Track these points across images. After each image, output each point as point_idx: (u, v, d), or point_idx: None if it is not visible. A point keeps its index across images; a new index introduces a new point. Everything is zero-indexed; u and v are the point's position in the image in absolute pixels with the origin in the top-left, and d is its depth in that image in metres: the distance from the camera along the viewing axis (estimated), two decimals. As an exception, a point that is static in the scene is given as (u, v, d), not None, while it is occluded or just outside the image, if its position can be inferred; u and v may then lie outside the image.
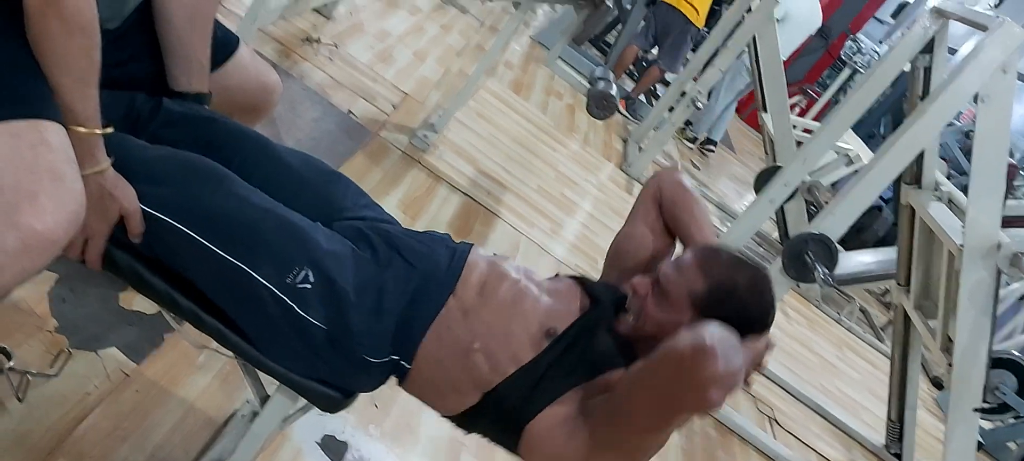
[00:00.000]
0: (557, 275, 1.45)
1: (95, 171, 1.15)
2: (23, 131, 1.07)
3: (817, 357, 4.11)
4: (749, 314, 1.28)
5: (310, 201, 1.40)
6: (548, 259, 3.16)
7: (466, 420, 1.29)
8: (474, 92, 3.45)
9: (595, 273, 3.29)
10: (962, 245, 2.65)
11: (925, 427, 3.92)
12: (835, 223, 2.74)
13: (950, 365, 2.74)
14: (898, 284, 3.39)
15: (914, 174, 3.16)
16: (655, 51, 6.00)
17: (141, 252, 1.23)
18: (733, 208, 5.55)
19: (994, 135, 2.55)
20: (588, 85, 3.60)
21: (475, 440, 1.30)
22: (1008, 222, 2.79)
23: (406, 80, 3.96)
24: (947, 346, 2.89)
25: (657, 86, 6.16)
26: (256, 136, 1.46)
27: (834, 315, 4.65)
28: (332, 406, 1.32)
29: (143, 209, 1.19)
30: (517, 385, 1.23)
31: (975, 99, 2.57)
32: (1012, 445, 4.14)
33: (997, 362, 3.82)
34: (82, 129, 1.13)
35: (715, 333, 1.00)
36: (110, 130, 1.18)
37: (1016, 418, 4.17)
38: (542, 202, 3.67)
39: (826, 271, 2.67)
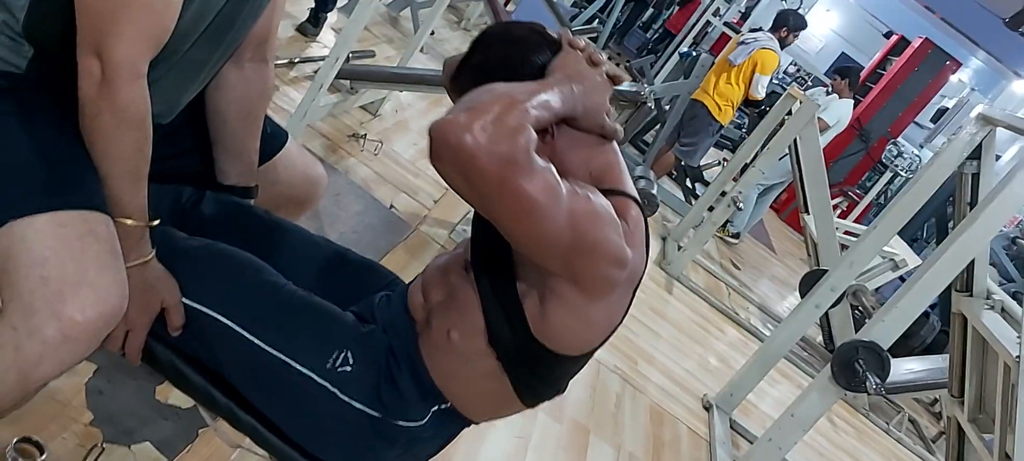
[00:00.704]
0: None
1: (139, 262, 1.15)
2: (71, 221, 1.08)
3: (866, 468, 3.95)
4: (495, 52, 1.16)
5: (344, 296, 1.38)
6: (592, 364, 3.10)
7: (524, 394, 1.20)
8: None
9: (635, 374, 3.25)
10: (1019, 357, 2.55)
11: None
12: (885, 331, 2.66)
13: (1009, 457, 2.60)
14: (951, 395, 3.26)
15: (965, 281, 3.07)
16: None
17: (180, 347, 1.22)
18: (775, 310, 5.44)
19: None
20: (629, 184, 3.60)
21: None
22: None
23: (447, 176, 3.99)
24: (1005, 459, 2.76)
25: (697, 185, 6.15)
26: (297, 228, 1.47)
27: (883, 425, 4.48)
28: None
29: (184, 302, 1.19)
30: (496, 324, 1.14)
31: (1029, 206, 2.51)
32: None
33: None
34: (129, 222, 1.14)
35: (466, 99, 0.96)
36: (156, 223, 1.19)
37: None
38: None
39: (878, 380, 2.58)
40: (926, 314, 5.49)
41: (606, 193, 1.11)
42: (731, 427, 3.30)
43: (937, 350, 4.99)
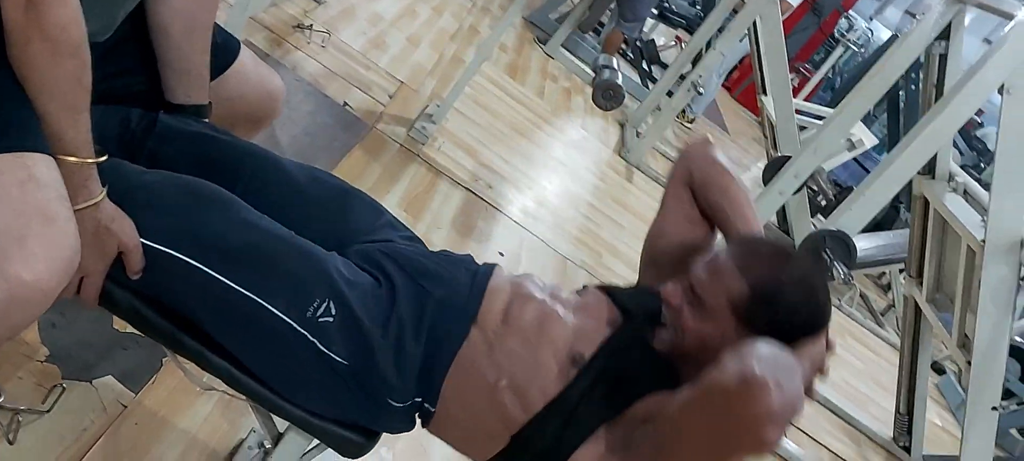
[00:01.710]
0: (585, 287, 1.31)
1: (89, 204, 1.04)
2: (8, 167, 0.96)
3: (823, 349, 4.05)
4: (800, 317, 1.10)
5: (323, 225, 1.28)
6: (552, 255, 3.06)
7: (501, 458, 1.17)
8: (471, 80, 3.33)
9: (600, 268, 3.23)
10: (983, 241, 2.58)
11: (929, 416, 3.87)
12: (852, 219, 2.65)
13: (969, 363, 2.67)
14: (909, 275, 3.32)
15: (928, 164, 3.08)
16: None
17: (141, 289, 1.11)
18: (731, 192, 5.46)
19: (1020, 128, 2.46)
20: (592, 74, 3.49)
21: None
22: None
23: (401, 67, 3.84)
24: (964, 343, 2.83)
25: (653, 68, 6.04)
26: (262, 153, 1.35)
27: (835, 302, 4.59)
28: (354, 451, 1.21)
29: (143, 243, 1.08)
30: (547, 424, 1.12)
31: (1000, 91, 2.48)
32: (1015, 432, 4.11)
33: None
34: (73, 159, 1.02)
35: (764, 357, 0.88)
36: (104, 158, 1.07)
37: (1020, 404, 4.15)
38: (544, 194, 3.57)
39: (845, 269, 2.59)
40: (849, 187, 5.59)
41: None
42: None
43: (886, 227, 5.10)
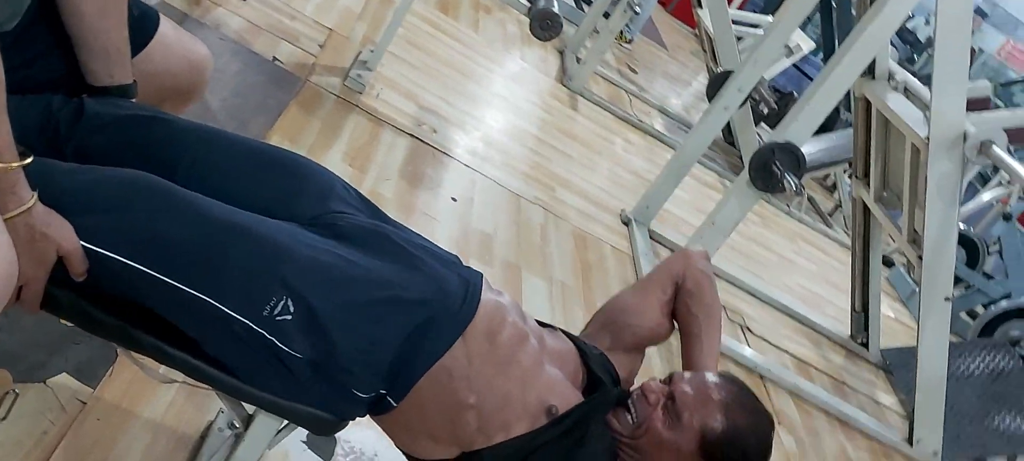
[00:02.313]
0: (553, 328, 1.35)
1: (20, 211, 0.96)
2: None
3: (775, 255, 4.12)
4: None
5: (280, 203, 1.21)
6: (504, 194, 3.03)
7: None
8: (403, 20, 3.23)
9: (553, 202, 3.21)
10: (927, 138, 2.61)
11: (883, 309, 3.98)
12: (799, 130, 2.67)
13: (920, 258, 2.74)
14: (855, 177, 3.37)
15: (867, 65, 3.10)
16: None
17: (86, 291, 1.05)
18: (675, 111, 5.48)
19: (957, 23, 2.48)
20: (528, 4, 3.41)
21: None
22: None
23: (328, 14, 3.70)
24: (914, 238, 2.89)
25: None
26: (200, 130, 1.27)
27: (784, 208, 4.66)
28: (325, 429, 1.18)
29: (84, 246, 1.01)
30: (501, 456, 1.16)
31: (934, -13, 2.49)
32: (965, 315, 4.25)
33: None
34: None
35: None
36: (30, 160, 0.99)
37: (968, 288, 4.29)
38: (490, 133, 3.51)
39: (796, 180, 2.61)
40: (789, 92, 5.63)
41: None
42: (651, 238, 3.34)
43: (828, 128, 5.16)
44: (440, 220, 2.62)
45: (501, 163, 3.27)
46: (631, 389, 1.31)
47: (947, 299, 2.73)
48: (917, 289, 4.21)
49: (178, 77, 1.46)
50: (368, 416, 1.19)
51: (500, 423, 1.15)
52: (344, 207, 1.23)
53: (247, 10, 3.26)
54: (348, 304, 1.09)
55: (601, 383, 1.27)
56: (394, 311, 1.12)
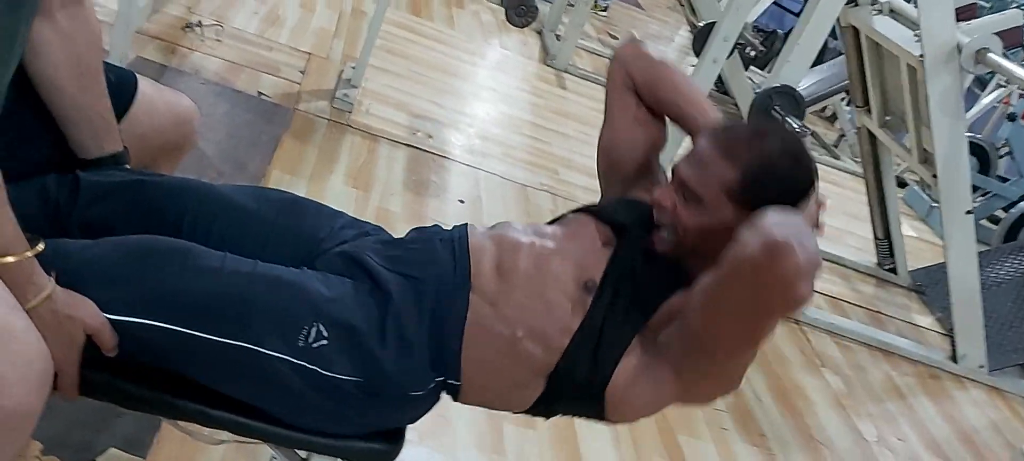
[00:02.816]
0: (563, 216, 1.30)
1: (41, 299, 0.95)
2: None
3: (788, 197, 4.07)
4: (792, 184, 1.13)
5: (283, 244, 1.22)
6: (510, 187, 2.99)
7: (541, 408, 1.17)
8: (378, 31, 3.19)
9: (560, 185, 3.17)
10: (922, 56, 2.57)
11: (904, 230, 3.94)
12: (792, 71, 2.63)
13: (934, 177, 2.70)
14: (856, 106, 3.32)
15: (850, -8, 3.05)
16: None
17: (119, 365, 1.04)
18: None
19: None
20: (500, -9, 3.37)
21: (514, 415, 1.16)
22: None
23: (303, 38, 3.67)
24: (925, 158, 2.85)
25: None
26: (199, 186, 1.27)
27: (787, 148, 4.60)
28: (380, 459, 1.17)
29: (109, 318, 1.00)
30: (578, 355, 1.11)
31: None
32: (987, 222, 4.19)
33: None
34: (9, 259, 0.93)
35: (778, 223, 0.92)
36: (42, 246, 0.98)
37: (984, 195, 4.23)
38: (484, 127, 3.48)
39: (799, 122, 2.57)
40: (773, 30, 5.57)
41: None
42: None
43: (816, 60, 5.10)
44: (450, 225, 2.58)
45: (501, 156, 3.24)
46: None
47: (969, 212, 2.70)
48: (934, 205, 4.18)
49: (166, 134, 1.44)
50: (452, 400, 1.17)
51: (557, 330, 1.11)
52: (333, 244, 1.22)
53: (223, 49, 3.23)
54: (372, 317, 1.09)
55: (623, 226, 1.21)
56: (410, 308, 1.12)
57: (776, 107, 2.61)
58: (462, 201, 2.75)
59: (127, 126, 1.34)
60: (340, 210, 1.31)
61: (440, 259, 1.16)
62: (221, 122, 2.71)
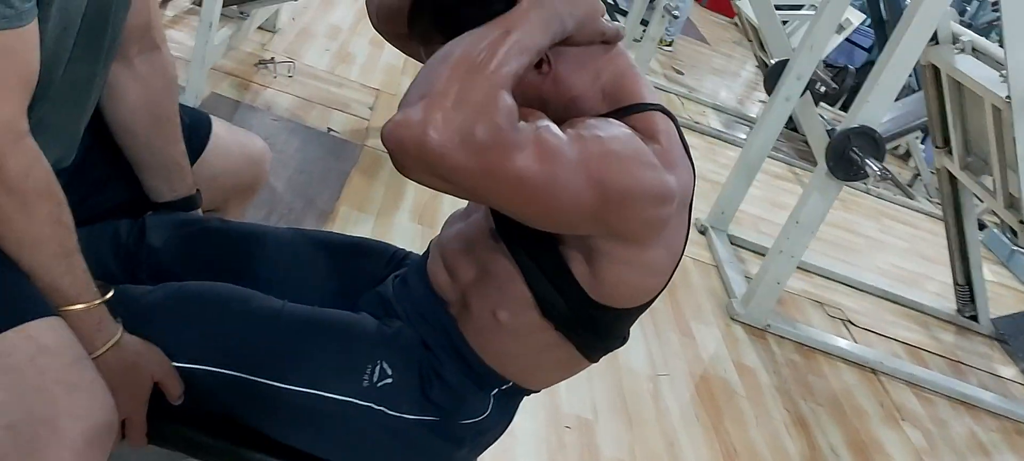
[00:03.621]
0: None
1: (109, 346, 0.96)
2: (14, 346, 0.87)
3: (862, 238, 3.94)
4: None
5: (343, 289, 1.21)
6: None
7: (590, 352, 1.06)
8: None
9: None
10: (1008, 97, 2.46)
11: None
12: (871, 111, 2.54)
13: (1021, 222, 2.57)
14: (936, 147, 3.20)
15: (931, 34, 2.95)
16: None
17: (187, 414, 1.04)
18: (731, 105, 5.35)
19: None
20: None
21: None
22: None
23: (372, 75, 3.72)
24: (1011, 203, 2.72)
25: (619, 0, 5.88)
26: (262, 232, 1.28)
27: (863, 187, 4.47)
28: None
29: (176, 366, 1.01)
30: (543, 292, 0.98)
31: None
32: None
33: None
34: (79, 307, 0.94)
35: (417, 81, 0.77)
36: (111, 293, 0.99)
37: None
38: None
39: (878, 164, 2.48)
40: (844, 66, 5.44)
41: (625, 111, 0.94)
42: (731, 243, 3.23)
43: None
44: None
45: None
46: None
47: (1060, 259, 2.56)
48: (1016, 249, 4.00)
49: (239, 175, 1.45)
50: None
51: (511, 288, 1.00)
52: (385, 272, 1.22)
53: (295, 87, 3.29)
54: (419, 350, 1.07)
55: None
56: (429, 337, 1.09)
57: (854, 149, 2.52)
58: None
59: (200, 168, 1.35)
60: (399, 247, 1.30)
61: (416, 295, 1.11)
62: (292, 158, 2.74)
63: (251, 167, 1.47)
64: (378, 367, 1.03)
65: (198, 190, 1.32)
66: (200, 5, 2.86)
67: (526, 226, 0.91)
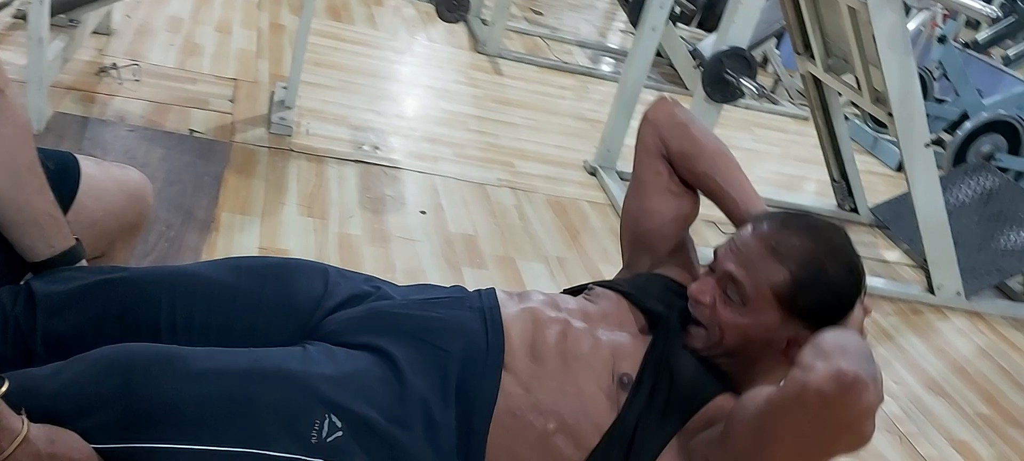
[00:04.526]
0: (590, 288, 1.22)
1: (16, 445, 0.86)
2: None
3: (740, 151, 3.99)
4: (844, 292, 1.08)
5: (276, 319, 1.12)
6: (468, 187, 2.90)
7: None
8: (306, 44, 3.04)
9: (517, 177, 3.08)
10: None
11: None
12: (739, 31, 2.59)
13: (890, 115, 2.70)
14: (796, 53, 3.31)
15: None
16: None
17: None
18: (590, 39, 5.38)
19: None
20: (426, -13, 3.25)
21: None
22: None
23: (226, 64, 3.50)
24: (877, 97, 2.85)
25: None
26: (169, 273, 1.16)
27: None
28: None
29: (97, 448, 0.91)
30: (608, 456, 1.04)
31: None
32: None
33: (987, 126, 3.87)
34: None
35: (846, 349, 0.85)
36: (5, 386, 0.87)
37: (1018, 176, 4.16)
38: (430, 129, 3.37)
39: (753, 82, 2.54)
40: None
41: None
42: (623, 180, 3.26)
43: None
44: (418, 238, 2.48)
45: (453, 156, 3.14)
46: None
47: (927, 145, 2.70)
48: (880, 135, 4.23)
49: (121, 215, 1.32)
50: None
51: (590, 425, 1.04)
52: (332, 306, 1.13)
53: (145, 90, 3.05)
54: (393, 396, 1.00)
55: (659, 315, 1.15)
56: (434, 383, 1.03)
57: (728, 71, 2.57)
58: (424, 212, 2.64)
59: (76, 215, 1.22)
60: (335, 267, 1.21)
61: (469, 329, 1.07)
62: (158, 169, 2.55)
63: (133, 203, 1.34)
64: (326, 420, 0.95)
65: (78, 239, 1.18)
66: (24, 19, 2.59)
67: (654, 417, 1.03)
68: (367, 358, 1.02)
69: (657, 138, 1.26)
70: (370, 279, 1.21)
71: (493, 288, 1.17)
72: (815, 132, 3.48)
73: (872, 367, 0.84)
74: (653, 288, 1.20)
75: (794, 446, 0.89)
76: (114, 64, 3.15)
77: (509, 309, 1.11)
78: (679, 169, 1.26)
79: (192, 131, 2.85)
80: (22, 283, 1.12)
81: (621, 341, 1.10)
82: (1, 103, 1.09)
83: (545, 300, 1.15)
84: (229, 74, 3.40)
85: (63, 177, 1.21)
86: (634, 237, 1.31)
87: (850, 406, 0.83)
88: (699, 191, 1.28)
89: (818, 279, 1.06)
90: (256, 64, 3.58)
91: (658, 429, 1.03)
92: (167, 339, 1.05)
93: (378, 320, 1.08)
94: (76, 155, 1.28)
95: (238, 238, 2.23)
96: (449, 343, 1.05)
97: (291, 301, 1.12)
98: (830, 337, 0.87)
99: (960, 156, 3.86)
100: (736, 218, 1.22)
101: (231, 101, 3.15)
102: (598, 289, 1.21)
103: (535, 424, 1.03)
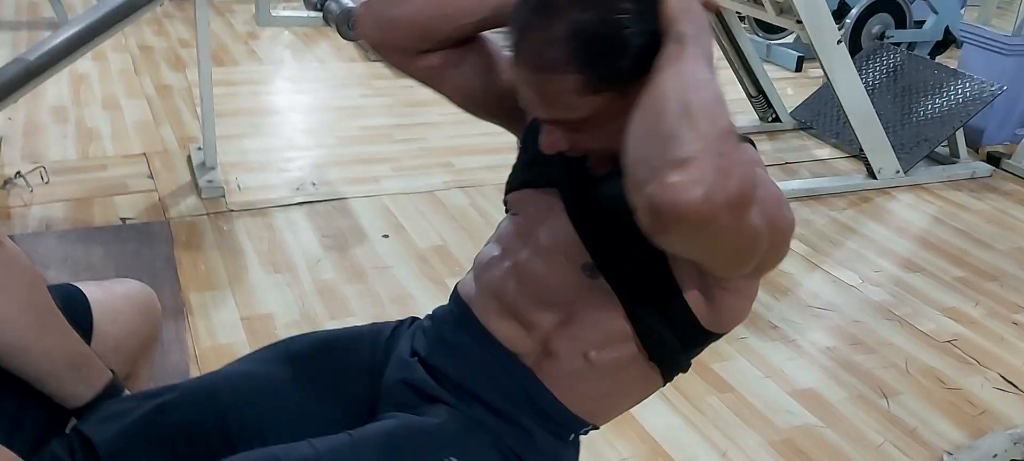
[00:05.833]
0: (506, 212, 1.15)
1: None
2: None
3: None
4: (636, 25, 0.84)
5: (337, 396, 1.11)
6: (420, 199, 2.87)
7: (670, 374, 1.05)
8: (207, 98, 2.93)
9: (462, 174, 3.07)
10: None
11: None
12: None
13: (799, 22, 2.80)
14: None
15: None
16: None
17: None
18: None
19: None
20: (320, 10, 3.16)
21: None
22: None
23: (127, 141, 3.34)
24: (781, 9, 2.95)
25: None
26: (221, 381, 1.12)
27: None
28: None
29: None
30: (650, 325, 0.98)
31: None
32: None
33: (872, 7, 4.00)
34: None
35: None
36: None
37: (910, 48, 4.34)
38: (359, 151, 3.31)
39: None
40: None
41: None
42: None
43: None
44: (392, 264, 2.45)
45: (392, 172, 3.10)
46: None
47: (839, 42, 2.83)
48: (771, 42, 4.39)
49: (138, 332, 1.28)
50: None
51: (610, 321, 0.98)
52: (383, 360, 1.13)
53: (58, 190, 2.89)
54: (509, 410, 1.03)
55: (561, 185, 1.04)
56: (503, 406, 1.03)
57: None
58: (386, 235, 2.61)
59: (99, 345, 1.17)
60: (359, 327, 1.20)
61: (473, 358, 1.04)
62: (105, 267, 2.43)
63: (146, 317, 1.29)
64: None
65: (113, 371, 1.13)
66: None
67: (636, 260, 0.93)
68: (445, 409, 1.03)
69: (376, 35, 1.08)
70: (400, 324, 1.19)
71: (455, 287, 1.15)
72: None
73: (706, 148, 0.71)
74: (539, 158, 1.03)
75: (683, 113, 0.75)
76: (17, 172, 2.97)
77: (479, 305, 1.07)
78: (428, 43, 1.07)
79: (123, 220, 2.72)
80: (69, 431, 1.07)
81: (557, 239, 1.02)
82: (4, 257, 1.03)
83: (491, 258, 1.08)
84: (136, 150, 3.25)
85: (74, 310, 1.15)
86: (490, 115, 1.17)
87: (691, 220, 0.71)
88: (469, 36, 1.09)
89: (604, 44, 0.86)
90: (159, 132, 3.43)
91: (648, 276, 0.96)
92: (243, 448, 1.01)
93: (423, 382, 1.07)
94: (73, 284, 1.22)
95: (216, 316, 2.15)
96: (468, 381, 1.05)
97: (345, 374, 1.12)
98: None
99: (854, 42, 4.04)
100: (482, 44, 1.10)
101: (150, 177, 3.02)
102: (511, 197, 1.13)
103: (578, 366, 1.00)
